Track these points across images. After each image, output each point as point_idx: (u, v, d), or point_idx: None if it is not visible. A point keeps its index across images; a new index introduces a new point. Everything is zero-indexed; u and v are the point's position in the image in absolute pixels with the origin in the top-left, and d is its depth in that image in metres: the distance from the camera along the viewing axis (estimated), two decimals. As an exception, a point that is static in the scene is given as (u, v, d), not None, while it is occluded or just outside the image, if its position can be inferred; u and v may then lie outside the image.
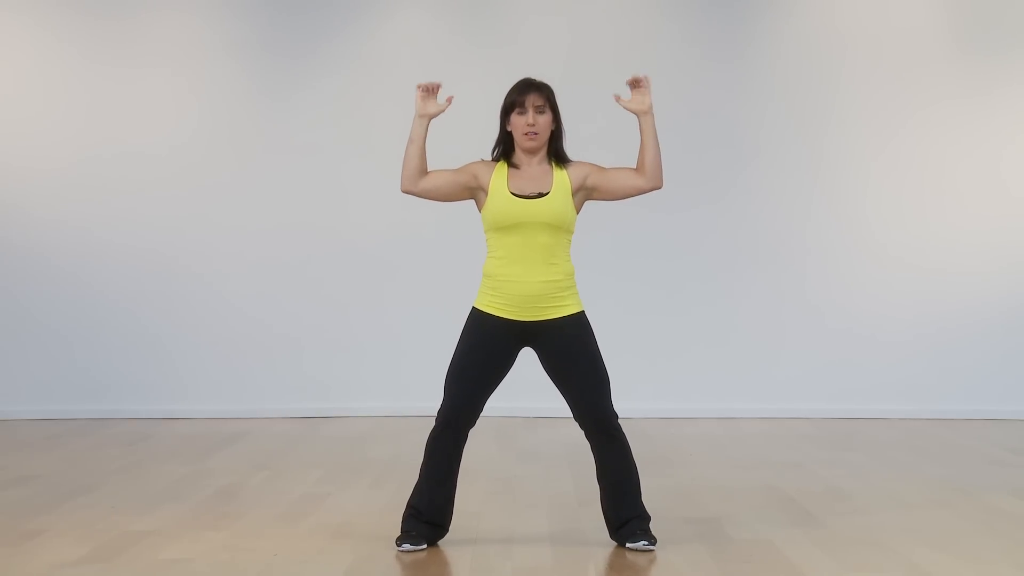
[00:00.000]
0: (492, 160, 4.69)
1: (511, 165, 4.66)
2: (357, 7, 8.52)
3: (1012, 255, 8.50)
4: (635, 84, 4.65)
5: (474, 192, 4.66)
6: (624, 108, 4.67)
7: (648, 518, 4.68)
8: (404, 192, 4.68)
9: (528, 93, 4.61)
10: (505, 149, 4.69)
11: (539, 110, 4.60)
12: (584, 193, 4.67)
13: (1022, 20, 8.50)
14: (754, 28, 8.58)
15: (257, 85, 8.57)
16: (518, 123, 4.62)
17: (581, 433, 4.70)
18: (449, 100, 4.67)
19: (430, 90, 4.66)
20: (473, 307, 4.67)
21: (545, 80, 4.69)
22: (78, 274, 8.47)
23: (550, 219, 4.56)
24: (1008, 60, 8.49)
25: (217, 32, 8.55)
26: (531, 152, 4.64)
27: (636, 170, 4.66)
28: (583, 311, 4.65)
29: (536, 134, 4.60)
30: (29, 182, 8.48)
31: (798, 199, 8.56)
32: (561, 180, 4.62)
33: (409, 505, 4.69)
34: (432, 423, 4.67)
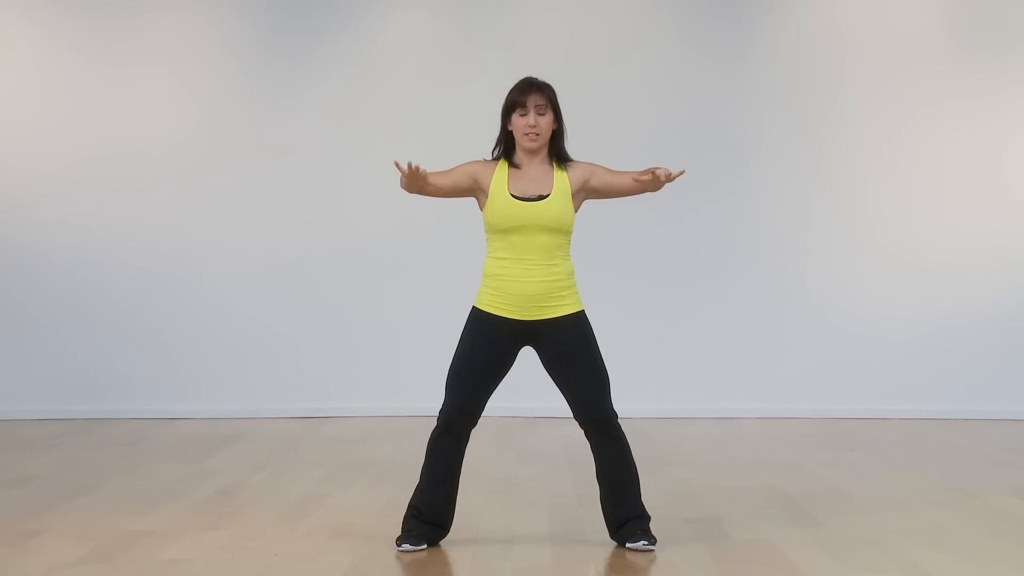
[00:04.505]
0: (493, 159, 4.69)
1: (512, 164, 4.65)
2: (357, 7, 8.51)
3: (1012, 255, 8.50)
4: (668, 178, 4.52)
5: (474, 193, 4.66)
6: (640, 177, 4.55)
7: (648, 518, 4.68)
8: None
9: (530, 93, 4.60)
10: (506, 148, 4.68)
11: (540, 111, 4.60)
12: (585, 194, 4.67)
13: (1022, 20, 8.50)
14: (754, 28, 8.58)
15: (257, 85, 8.57)
16: (519, 124, 4.61)
17: (581, 433, 4.70)
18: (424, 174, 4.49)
19: (416, 173, 4.47)
20: (473, 307, 4.67)
21: (546, 80, 4.68)
22: (78, 274, 8.47)
23: (550, 222, 4.56)
24: (1008, 60, 8.49)
25: (217, 32, 8.55)
26: (532, 152, 4.64)
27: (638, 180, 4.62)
28: (583, 310, 4.65)
29: (537, 135, 4.60)
30: (29, 182, 8.47)
31: (799, 200, 8.56)
32: (561, 182, 4.62)
33: (410, 505, 4.69)
34: (432, 423, 4.67)
